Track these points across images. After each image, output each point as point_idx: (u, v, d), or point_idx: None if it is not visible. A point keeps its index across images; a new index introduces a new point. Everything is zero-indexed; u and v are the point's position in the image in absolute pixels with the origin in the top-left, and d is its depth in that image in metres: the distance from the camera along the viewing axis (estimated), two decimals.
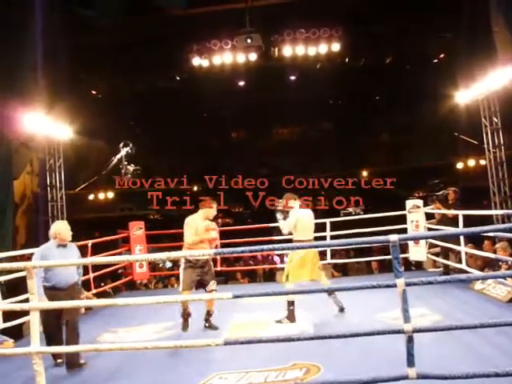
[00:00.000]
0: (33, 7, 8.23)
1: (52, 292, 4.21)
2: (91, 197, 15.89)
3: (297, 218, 5.35)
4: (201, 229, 5.14)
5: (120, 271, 9.39)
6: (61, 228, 4.52)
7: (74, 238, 4.69)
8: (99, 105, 12.32)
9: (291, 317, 5.19)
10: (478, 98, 8.97)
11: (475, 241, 7.03)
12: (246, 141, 19.00)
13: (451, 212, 6.97)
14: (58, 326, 4.37)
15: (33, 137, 9.12)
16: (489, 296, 5.71)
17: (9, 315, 5.30)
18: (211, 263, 5.28)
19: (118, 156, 12.42)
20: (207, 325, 5.26)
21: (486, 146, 9.20)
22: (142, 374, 4.07)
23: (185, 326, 5.13)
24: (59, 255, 4.38)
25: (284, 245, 3.67)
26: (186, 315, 5.13)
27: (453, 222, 6.70)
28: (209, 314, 5.26)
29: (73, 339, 4.23)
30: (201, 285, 5.16)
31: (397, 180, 15.52)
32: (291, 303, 5.20)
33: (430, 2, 9.45)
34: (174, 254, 4.02)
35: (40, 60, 8.52)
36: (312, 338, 3.34)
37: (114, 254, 7.79)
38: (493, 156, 9.06)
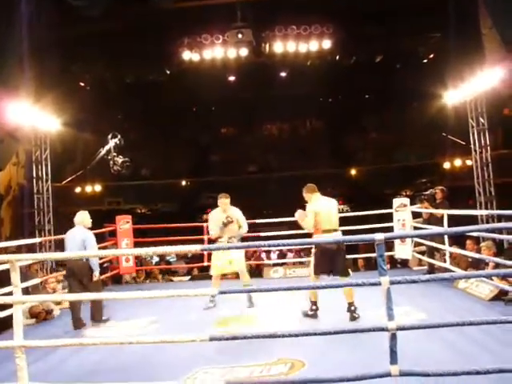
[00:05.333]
0: None
1: None
2: (78, 190, 15.66)
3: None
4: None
5: (106, 265, 9.32)
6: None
7: (60, 231, 4.65)
8: (88, 97, 12.17)
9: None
10: (465, 98, 9.05)
11: (460, 240, 7.11)
12: (235, 136, 18.93)
13: (439, 211, 7.04)
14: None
15: (19, 127, 8.99)
16: (472, 295, 5.80)
17: None
18: (344, 254, 5.23)
19: (107, 147, 12.21)
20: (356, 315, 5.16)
21: (472, 146, 9.29)
22: (125, 368, 4.05)
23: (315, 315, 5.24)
24: None
25: (279, 241, 3.69)
26: (315, 307, 5.24)
27: (440, 221, 6.77)
28: (351, 305, 5.19)
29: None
30: (332, 273, 5.19)
31: (385, 178, 15.60)
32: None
33: (420, 2, 9.50)
34: (160, 249, 3.99)
35: (27, 50, 8.36)
36: (297, 335, 3.35)
37: (100, 248, 7.73)
38: (479, 156, 9.16)
